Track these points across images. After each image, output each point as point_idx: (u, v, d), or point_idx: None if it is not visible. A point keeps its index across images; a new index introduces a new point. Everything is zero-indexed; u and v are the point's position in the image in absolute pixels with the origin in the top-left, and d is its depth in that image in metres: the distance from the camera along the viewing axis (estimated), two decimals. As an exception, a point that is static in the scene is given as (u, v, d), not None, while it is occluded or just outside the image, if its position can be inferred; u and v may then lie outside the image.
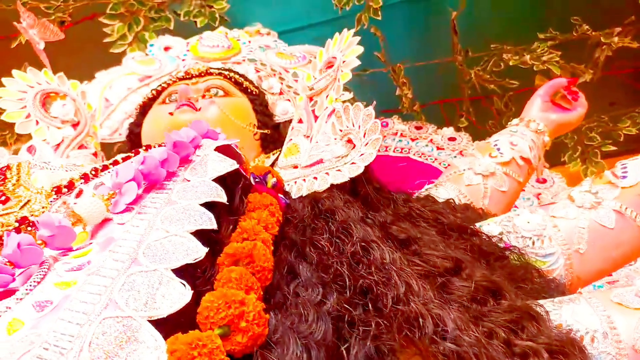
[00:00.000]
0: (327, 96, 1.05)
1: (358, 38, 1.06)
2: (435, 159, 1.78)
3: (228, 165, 0.68)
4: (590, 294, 0.83)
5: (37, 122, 1.10)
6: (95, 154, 1.14)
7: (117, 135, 1.28)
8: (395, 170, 1.75)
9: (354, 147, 0.92)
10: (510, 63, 1.84)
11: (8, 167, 0.78)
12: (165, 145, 0.72)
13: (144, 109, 1.21)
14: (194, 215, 0.59)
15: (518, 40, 1.96)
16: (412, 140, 1.86)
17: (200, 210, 0.60)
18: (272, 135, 1.20)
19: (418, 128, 1.90)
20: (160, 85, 1.21)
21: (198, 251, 0.54)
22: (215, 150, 0.72)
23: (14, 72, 1.12)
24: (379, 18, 1.75)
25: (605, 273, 1.05)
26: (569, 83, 1.31)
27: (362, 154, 0.89)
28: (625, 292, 0.81)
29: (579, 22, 1.92)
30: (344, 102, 1.03)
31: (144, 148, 0.76)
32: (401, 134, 1.89)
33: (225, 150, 0.74)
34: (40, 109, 1.11)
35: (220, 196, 0.63)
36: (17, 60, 2.09)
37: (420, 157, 1.80)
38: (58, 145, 1.10)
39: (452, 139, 1.84)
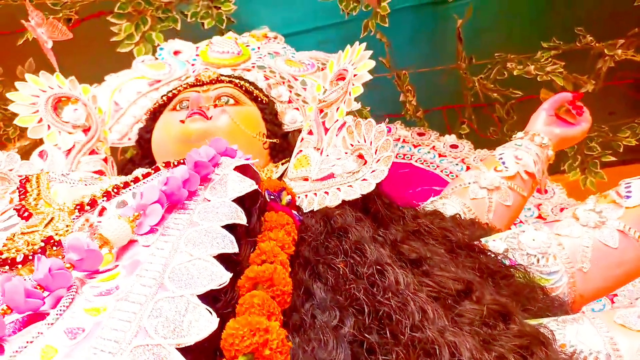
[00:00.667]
0: (337, 109, 1.06)
1: (370, 52, 1.06)
2: (437, 166, 1.80)
3: (247, 185, 0.69)
4: (594, 314, 0.85)
5: (49, 127, 1.11)
6: (105, 160, 1.15)
7: (127, 139, 1.29)
8: (398, 176, 1.77)
9: (365, 163, 0.94)
10: (515, 73, 1.85)
11: (27, 180, 0.79)
12: (184, 162, 0.73)
13: (155, 114, 1.22)
14: (216, 238, 0.60)
15: (522, 49, 1.98)
16: (415, 146, 1.88)
17: (222, 232, 0.61)
18: (281, 145, 1.21)
19: (420, 135, 1.92)
20: (171, 91, 1.22)
21: (222, 276, 0.55)
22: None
23: (27, 75, 1.13)
24: (386, 25, 1.76)
25: (607, 291, 1.07)
26: (574, 98, 1.33)
27: (373, 171, 0.91)
28: (628, 313, 0.83)
29: (583, 32, 1.94)
30: (352, 112, 1.05)
31: (163, 164, 0.77)
32: (404, 140, 1.91)
33: (243, 167, 0.76)
34: (52, 114, 1.11)
35: (241, 218, 0.65)
36: (22, 55, 2.10)
37: (422, 164, 1.82)
38: (69, 150, 1.10)
39: (454, 146, 1.86)
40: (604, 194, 1.04)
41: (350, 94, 1.04)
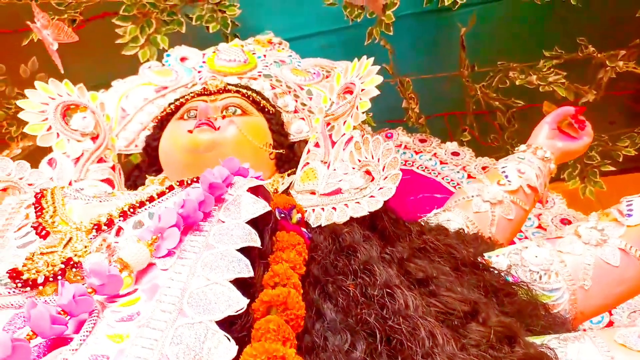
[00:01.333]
0: (344, 122, 1.07)
1: (377, 67, 1.08)
2: (439, 174, 1.81)
3: (261, 207, 0.70)
4: (595, 333, 0.87)
5: (58, 135, 1.12)
6: (113, 167, 1.16)
7: (133, 146, 1.30)
8: (399, 183, 1.78)
9: (372, 180, 0.95)
10: (517, 83, 1.87)
11: (42, 195, 0.79)
12: (197, 181, 0.75)
13: (162, 122, 1.23)
14: (232, 262, 0.61)
15: (524, 57, 1.99)
16: (416, 153, 1.89)
17: (237, 256, 0.62)
18: (287, 155, 1.22)
19: (422, 141, 1.93)
20: (179, 99, 1.23)
21: (239, 302, 0.57)
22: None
23: (36, 83, 1.13)
24: (391, 33, 1.78)
25: (607, 308, 1.09)
26: (577, 112, 1.34)
27: (381, 188, 0.92)
28: (628, 333, 0.84)
29: (585, 42, 1.96)
30: (360, 125, 1.06)
31: (177, 183, 0.78)
32: (405, 146, 1.92)
33: (255, 187, 0.77)
34: (61, 122, 1.12)
35: (255, 240, 0.66)
36: (25, 54, 2.10)
37: (423, 170, 1.83)
38: (78, 158, 1.11)
39: (455, 153, 1.87)
40: (606, 212, 1.05)
41: (357, 108, 1.05)
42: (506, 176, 1.25)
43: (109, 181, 1.12)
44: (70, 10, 1.93)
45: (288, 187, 1.11)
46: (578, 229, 1.03)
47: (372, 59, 1.10)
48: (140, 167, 1.26)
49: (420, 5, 1.97)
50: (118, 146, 1.26)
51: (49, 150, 1.13)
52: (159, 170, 1.20)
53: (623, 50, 1.95)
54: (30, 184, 1.02)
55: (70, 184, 1.07)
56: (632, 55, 1.97)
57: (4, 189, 0.99)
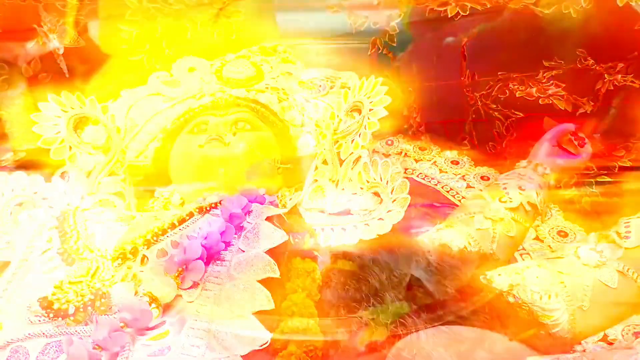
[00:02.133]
0: (352, 141, 1.10)
1: (386, 88, 1.10)
2: (438, 182, 1.83)
3: (279, 237, 0.73)
4: (593, 355, 0.90)
5: (70, 148, 1.13)
6: (124, 180, 1.18)
7: (142, 157, 1.31)
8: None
9: (381, 202, 0.98)
10: (517, 94, 1.89)
11: (64, 218, 0.81)
12: (216, 206, 0.77)
13: (172, 135, 1.24)
14: (254, 293, 0.64)
15: (524, 68, 2.01)
16: (416, 161, 1.91)
17: (258, 287, 0.65)
18: (294, 169, 1.24)
19: (422, 149, 1.95)
20: (188, 112, 1.25)
21: (263, 336, 0.59)
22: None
23: (49, 96, 1.15)
24: (394, 44, 1.79)
25: (604, 328, 1.12)
26: (576, 129, 1.37)
27: (389, 211, 0.95)
28: (625, 356, 0.88)
29: (584, 54, 1.98)
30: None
31: (196, 209, 0.80)
32: (405, 154, 1.94)
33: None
34: (74, 134, 1.14)
35: (274, 271, 0.69)
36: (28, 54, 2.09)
37: (423, 179, 1.85)
38: (90, 172, 1.13)
39: (454, 162, 1.89)
40: (604, 234, 1.08)
41: (366, 128, 1.08)
42: (507, 193, 1.28)
43: (119, 194, 1.15)
44: (74, 12, 1.93)
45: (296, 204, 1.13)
46: (578, 250, 1.06)
47: (380, 79, 1.12)
48: (149, 178, 1.28)
49: (422, 13, 1.98)
50: (128, 158, 1.28)
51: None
52: (167, 181, 1.22)
53: (621, 63, 1.97)
54: (44, 198, 1.04)
55: (83, 198, 1.09)
56: (631, 68, 1.99)
57: (19, 204, 1.01)
